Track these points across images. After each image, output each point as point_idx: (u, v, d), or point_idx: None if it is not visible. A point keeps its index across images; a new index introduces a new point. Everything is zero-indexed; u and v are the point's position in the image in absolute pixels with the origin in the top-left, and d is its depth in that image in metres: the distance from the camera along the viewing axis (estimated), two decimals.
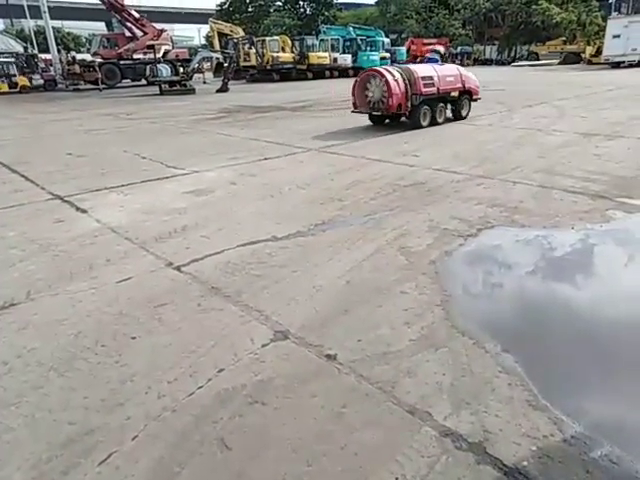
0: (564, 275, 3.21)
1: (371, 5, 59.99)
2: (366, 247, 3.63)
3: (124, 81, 28.53)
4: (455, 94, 9.86)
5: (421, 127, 9.29)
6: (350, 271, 3.25)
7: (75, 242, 3.96)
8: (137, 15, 28.19)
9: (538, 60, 43.71)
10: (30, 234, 4.17)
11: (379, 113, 9.30)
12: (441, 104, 9.75)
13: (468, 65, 51.82)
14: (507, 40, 53.79)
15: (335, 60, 32.79)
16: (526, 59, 46.36)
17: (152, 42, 26.30)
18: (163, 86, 22.00)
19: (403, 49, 43.52)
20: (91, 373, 2.28)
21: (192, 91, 22.05)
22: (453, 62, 51.95)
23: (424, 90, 9.01)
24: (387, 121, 9.86)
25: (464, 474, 1.67)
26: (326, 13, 56.77)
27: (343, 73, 32.99)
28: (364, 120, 9.99)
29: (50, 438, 1.89)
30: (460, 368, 2.22)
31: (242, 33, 34.82)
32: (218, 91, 21.88)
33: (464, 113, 10.34)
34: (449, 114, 10.21)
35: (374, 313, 2.72)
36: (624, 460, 1.71)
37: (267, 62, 30.38)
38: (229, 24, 37.05)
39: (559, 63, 39.94)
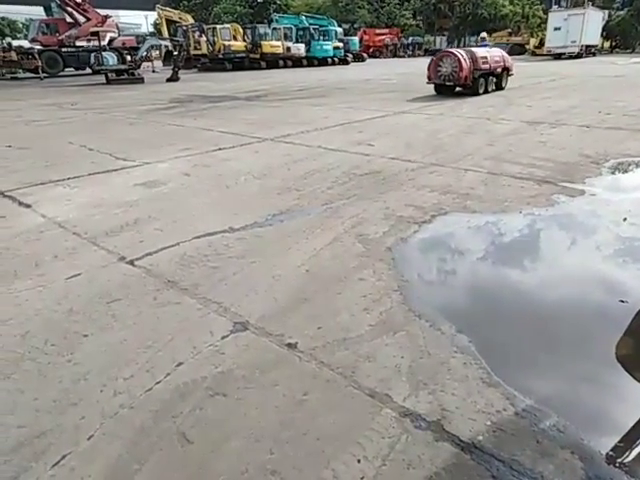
0: (513, 259, 3.35)
1: None
2: (325, 235, 3.65)
3: (67, 70, 27.09)
4: (499, 70, 13.16)
5: (478, 94, 12.38)
6: (309, 260, 3.25)
7: (18, 238, 3.75)
8: None
9: None
10: None
11: (450, 83, 12.17)
12: (491, 77, 12.90)
13: (419, 55, 52.82)
14: (456, 31, 55.10)
15: (288, 49, 32.47)
16: None
17: (96, 29, 24.99)
18: (110, 75, 21.08)
19: (356, 39, 43.71)
20: (41, 374, 2.17)
21: (141, 80, 21.26)
22: (405, 52, 52.94)
23: (482, 67, 12.11)
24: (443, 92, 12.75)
25: (423, 452, 1.72)
26: (278, 1, 55.99)
27: (297, 63, 32.78)
28: (313, 105, 9.95)
29: None
30: (418, 350, 2.27)
31: (191, 20, 33.92)
32: (168, 80, 21.18)
33: (504, 85, 13.72)
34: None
35: (333, 300, 2.74)
36: (569, 429, 1.81)
37: (219, 51, 29.75)
38: (177, 11, 35.96)
39: None
